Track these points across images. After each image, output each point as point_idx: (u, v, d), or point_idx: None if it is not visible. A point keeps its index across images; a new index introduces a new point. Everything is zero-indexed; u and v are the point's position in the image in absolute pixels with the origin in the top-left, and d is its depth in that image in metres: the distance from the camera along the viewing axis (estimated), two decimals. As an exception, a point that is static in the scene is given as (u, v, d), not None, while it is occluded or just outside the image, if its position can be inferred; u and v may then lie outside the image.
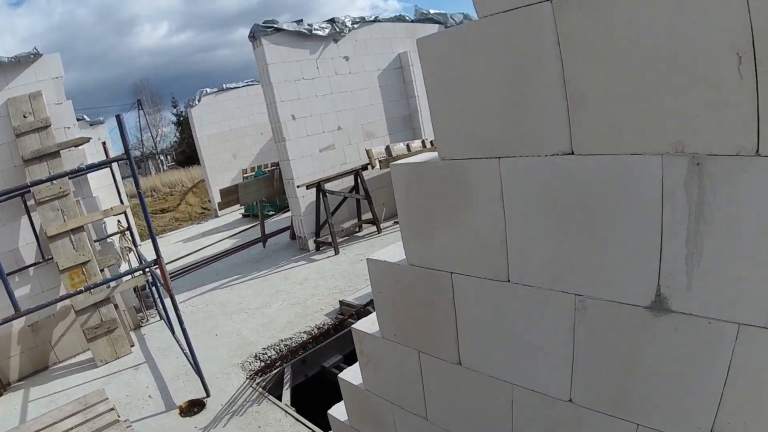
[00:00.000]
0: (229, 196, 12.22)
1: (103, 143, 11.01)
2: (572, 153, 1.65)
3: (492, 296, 2.06)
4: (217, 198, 15.83)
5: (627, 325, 1.70)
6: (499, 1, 1.69)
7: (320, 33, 10.83)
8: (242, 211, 17.89)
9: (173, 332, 7.02)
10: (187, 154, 40.31)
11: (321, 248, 11.07)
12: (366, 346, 2.95)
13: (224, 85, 19.74)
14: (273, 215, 15.85)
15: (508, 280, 1.97)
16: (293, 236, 12.03)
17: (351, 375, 3.31)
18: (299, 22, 10.71)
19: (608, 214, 1.63)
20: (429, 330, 2.44)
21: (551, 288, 1.86)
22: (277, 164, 11.97)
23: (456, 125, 1.96)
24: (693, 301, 1.53)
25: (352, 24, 11.38)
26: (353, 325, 3.06)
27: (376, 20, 12.01)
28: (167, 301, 6.82)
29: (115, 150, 14.76)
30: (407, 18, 12.67)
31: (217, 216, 19.65)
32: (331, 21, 11.14)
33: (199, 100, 19.12)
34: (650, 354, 1.68)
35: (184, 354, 6.20)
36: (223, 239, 14.90)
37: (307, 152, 10.85)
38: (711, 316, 1.50)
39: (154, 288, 8.58)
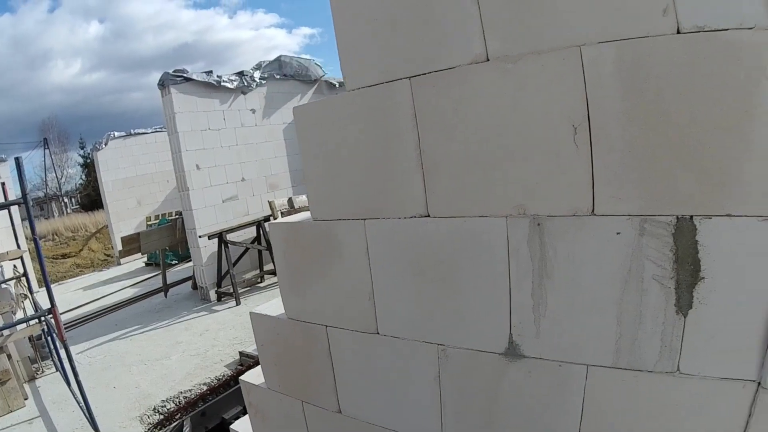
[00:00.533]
0: (131, 245, 11.75)
1: (2, 183, 10.34)
2: (428, 216, 1.80)
3: (364, 348, 2.15)
4: (119, 245, 15.17)
5: (486, 371, 1.84)
6: (365, 76, 1.85)
7: (228, 85, 10.87)
8: (145, 259, 17.17)
9: (69, 385, 6.61)
10: (92, 197, 38.34)
11: (222, 299, 10.83)
12: (253, 397, 2.94)
13: (132, 130, 19.18)
14: (176, 264, 15.34)
15: (377, 332, 2.07)
16: (195, 286, 11.70)
17: (242, 426, 3.26)
18: (209, 73, 10.70)
19: (463, 271, 1.77)
20: (310, 381, 2.47)
21: (416, 339, 1.97)
22: (182, 213, 11.71)
23: (327, 189, 2.07)
24: (542, 347, 1.69)
25: (260, 78, 11.49)
26: (241, 377, 3.05)
27: (283, 77, 12.16)
28: (64, 352, 6.44)
29: (16, 191, 13.87)
30: (312, 77, 12.86)
31: (119, 264, 18.74)
32: (240, 74, 11.21)
33: (106, 144, 18.45)
34: (509, 397, 1.82)
35: (80, 408, 5.85)
36: (125, 288, 14.24)
37: (211, 202, 10.72)
38: (560, 359, 1.66)
39: (49, 338, 8.06)
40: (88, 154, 43.84)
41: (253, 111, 11.45)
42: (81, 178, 47.93)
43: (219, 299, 10.84)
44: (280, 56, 12.23)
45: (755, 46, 1.24)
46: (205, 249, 10.56)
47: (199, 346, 8.34)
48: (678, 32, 1.31)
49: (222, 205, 10.91)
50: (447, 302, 1.85)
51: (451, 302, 1.84)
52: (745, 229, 1.31)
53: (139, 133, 19.32)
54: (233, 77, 11.04)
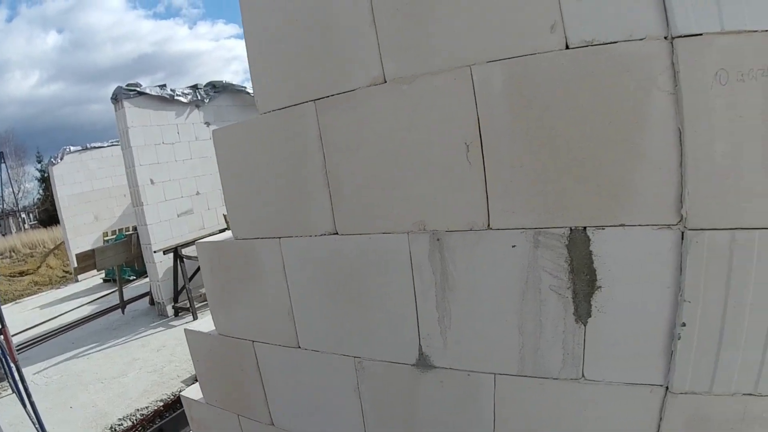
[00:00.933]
0: (86, 261, 11.44)
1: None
2: (337, 233, 1.84)
3: (288, 361, 2.17)
4: (76, 262, 14.79)
5: (401, 382, 1.88)
6: (274, 100, 1.89)
7: (182, 99, 10.74)
8: (103, 275, 16.76)
9: (25, 406, 6.42)
10: (50, 212, 37.11)
11: (180, 314, 10.61)
12: (195, 412, 2.93)
13: (88, 144, 18.70)
14: (134, 280, 15.00)
15: (299, 346, 2.10)
16: (152, 302, 11.48)
17: (189, 441, 3.25)
18: (162, 86, 10.55)
19: (371, 286, 1.82)
20: (243, 394, 2.49)
21: (334, 352, 2.01)
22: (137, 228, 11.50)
23: (245, 208, 2.10)
24: (451, 357, 1.74)
25: (213, 91, 11.39)
26: (182, 393, 3.04)
27: (245, 89, 12.05)
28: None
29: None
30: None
31: (77, 281, 18.23)
32: (194, 87, 11.08)
33: (61, 158, 17.92)
34: (425, 406, 1.86)
35: (36, 430, 5.67)
36: (83, 305, 13.86)
37: (166, 217, 10.54)
38: (469, 369, 1.71)
39: (3, 359, 7.81)
40: (45, 168, 42.61)
41: (208, 124, 11.34)
42: (39, 193, 46.36)
43: (176, 314, 10.63)
44: (212, 81, 12.02)
45: (646, 57, 1.29)
46: (161, 264, 10.37)
47: (156, 362, 8.19)
48: (567, 47, 1.37)
49: (177, 219, 10.74)
50: (359, 316, 1.89)
51: (363, 316, 1.88)
52: (640, 238, 1.37)
53: (95, 147, 18.84)
54: (187, 91, 10.91)
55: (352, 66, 1.67)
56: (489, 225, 1.54)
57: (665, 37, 1.27)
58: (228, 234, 2.34)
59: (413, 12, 1.54)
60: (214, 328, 2.52)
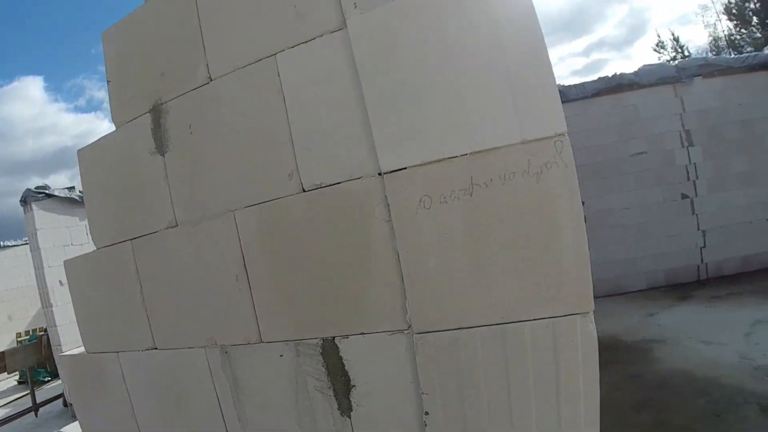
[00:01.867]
0: (-3, 365, 10.91)
1: None
2: (156, 348, 2.13)
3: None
4: (-13, 366, 13.90)
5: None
6: (104, 238, 2.21)
7: (90, 197, 10.71)
8: (17, 377, 15.82)
9: None
10: (-36, 317, 34.72)
11: (97, 411, 10.21)
12: None
13: (2, 242, 17.97)
14: (49, 381, 14.27)
15: (143, 446, 2.32)
16: (65, 403, 11.01)
17: None
18: (71, 188, 10.51)
19: (187, 392, 2.09)
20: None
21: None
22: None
23: (91, 326, 2.37)
24: None
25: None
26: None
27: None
28: None
29: None
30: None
31: (-9, 384, 17.08)
32: (102, 185, 11.10)
33: (-28, 256, 17.12)
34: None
35: None
36: (-4, 410, 13.03)
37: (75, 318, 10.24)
38: None
39: None
40: (-40, 268, 39.90)
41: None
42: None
43: (92, 413, 10.22)
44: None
45: (364, 192, 1.60)
46: (74, 363, 10.02)
47: (69, 464, 7.87)
48: (303, 191, 1.71)
49: (88, 317, 10.48)
50: (182, 418, 2.13)
51: (185, 417, 2.12)
52: (379, 343, 1.65)
53: (8, 246, 18.13)
54: (95, 189, 10.91)
55: (154, 212, 2.02)
56: (261, 339, 1.85)
57: (379, 174, 1.58)
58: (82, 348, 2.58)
59: (193, 171, 1.92)
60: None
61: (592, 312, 1.48)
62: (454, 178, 1.50)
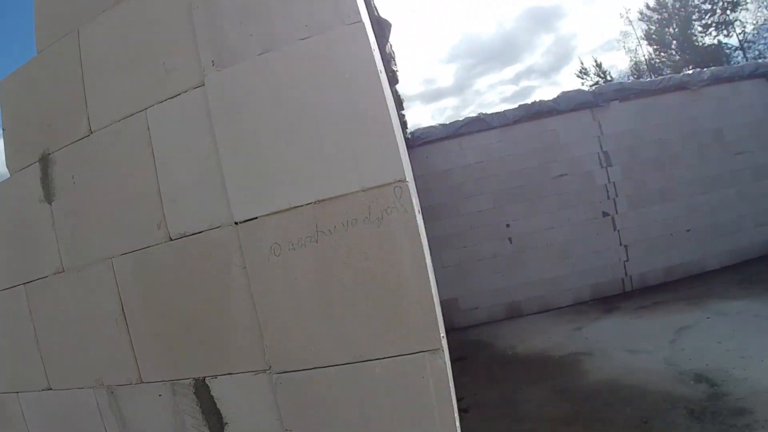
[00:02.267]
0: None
1: None
2: (51, 389, 2.16)
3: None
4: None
5: None
6: (1, 282, 2.25)
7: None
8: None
9: None
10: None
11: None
12: None
13: None
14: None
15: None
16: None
17: None
18: None
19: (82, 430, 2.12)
20: None
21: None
22: None
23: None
24: None
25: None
26: None
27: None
28: None
29: None
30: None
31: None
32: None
33: None
34: None
35: None
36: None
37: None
38: None
39: None
40: None
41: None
42: None
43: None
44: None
45: (223, 241, 1.68)
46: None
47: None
48: (170, 239, 1.78)
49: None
50: None
51: None
52: (246, 382, 1.72)
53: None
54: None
55: (44, 258, 2.07)
56: (141, 379, 1.90)
57: (236, 223, 1.66)
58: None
59: (75, 219, 1.99)
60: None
61: (441, 349, 1.55)
62: (301, 226, 1.58)
